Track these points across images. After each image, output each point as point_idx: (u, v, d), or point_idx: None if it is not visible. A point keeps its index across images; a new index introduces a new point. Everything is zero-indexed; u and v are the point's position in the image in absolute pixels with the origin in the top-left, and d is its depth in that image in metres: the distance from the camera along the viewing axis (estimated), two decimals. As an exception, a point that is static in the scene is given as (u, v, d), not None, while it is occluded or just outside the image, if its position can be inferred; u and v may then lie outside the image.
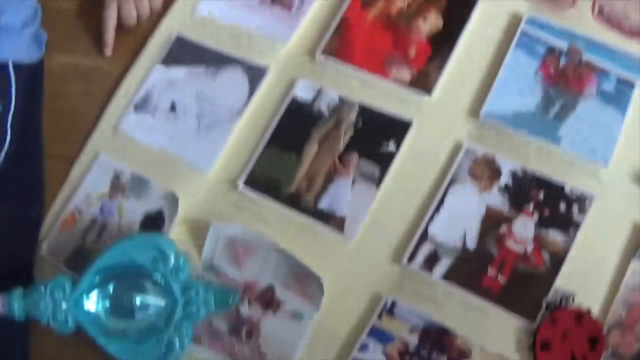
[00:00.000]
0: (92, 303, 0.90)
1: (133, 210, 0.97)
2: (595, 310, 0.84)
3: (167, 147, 1.00)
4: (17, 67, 0.98)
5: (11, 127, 0.97)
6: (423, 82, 0.96)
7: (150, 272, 0.88)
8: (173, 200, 0.95)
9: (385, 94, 0.97)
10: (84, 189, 1.00)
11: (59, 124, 1.06)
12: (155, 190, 0.97)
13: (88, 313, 0.90)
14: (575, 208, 0.88)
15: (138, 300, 0.90)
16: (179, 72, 1.03)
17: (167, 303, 0.89)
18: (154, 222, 0.96)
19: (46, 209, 1.01)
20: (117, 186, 0.99)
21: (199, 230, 0.94)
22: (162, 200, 0.97)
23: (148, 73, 1.05)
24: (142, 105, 1.03)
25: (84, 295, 0.89)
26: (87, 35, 1.11)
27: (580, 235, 0.87)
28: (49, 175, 1.03)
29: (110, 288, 0.90)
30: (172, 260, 0.88)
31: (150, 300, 0.89)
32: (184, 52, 1.05)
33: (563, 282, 0.85)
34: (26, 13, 1.00)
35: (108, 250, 0.90)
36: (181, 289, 0.88)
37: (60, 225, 0.99)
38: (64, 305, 0.88)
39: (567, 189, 0.89)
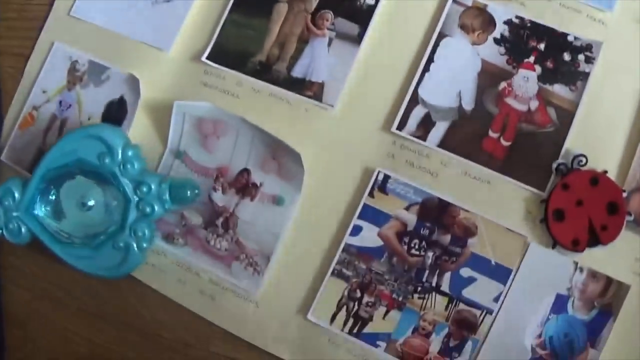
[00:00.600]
0: (41, 209, 0.77)
1: (93, 99, 0.82)
2: (612, 174, 0.71)
3: (124, 27, 0.82)
4: None
5: None
6: None
7: (97, 169, 0.74)
8: (134, 84, 0.80)
9: (359, -56, 0.85)
10: (40, 84, 0.85)
11: (10, 18, 0.88)
12: (115, 76, 0.81)
13: (40, 221, 0.76)
14: (581, 57, 0.72)
15: (91, 202, 0.75)
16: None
17: (118, 203, 0.75)
18: (116, 111, 0.80)
19: (4, 111, 0.85)
20: (74, 75, 0.83)
21: (164, 115, 0.78)
22: (123, 85, 0.80)
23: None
24: None
25: (35, 202, 0.76)
26: None
27: (590, 87, 0.72)
28: (4, 75, 0.87)
29: (56, 192, 0.76)
30: (119, 153, 0.74)
31: (99, 202, 0.75)
32: None
33: (573, 142, 0.71)
34: None
35: (52, 150, 0.76)
36: (133, 185, 0.74)
37: (19, 126, 0.84)
38: (15, 213, 0.76)
39: (570, 37, 0.73)
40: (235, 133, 0.75)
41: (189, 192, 0.74)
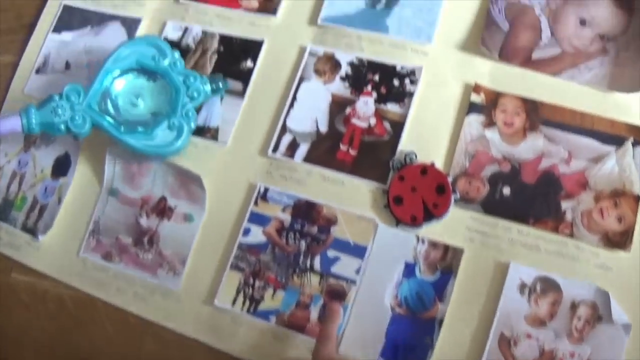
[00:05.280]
0: (100, 105, 0.94)
1: (44, 157, 1.01)
2: (439, 164, 0.88)
3: None
4: None
5: None
6: (269, 6, 1.02)
7: (154, 68, 0.94)
8: (76, 142, 1.00)
9: (239, 22, 1.03)
10: (2, 149, 1.05)
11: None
12: (61, 137, 1.00)
13: (101, 113, 0.93)
14: (407, 81, 0.92)
15: (140, 103, 0.96)
16: (69, 36, 1.09)
17: (168, 94, 0.95)
18: (63, 164, 1.00)
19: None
20: (29, 140, 1.03)
21: (101, 162, 0.99)
22: (67, 143, 1.01)
23: (44, 42, 1.10)
24: (42, 69, 1.08)
25: (95, 100, 0.94)
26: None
27: (415, 102, 0.91)
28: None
29: (115, 88, 0.95)
30: (169, 54, 0.94)
31: (147, 99, 0.96)
32: (71, 18, 1.10)
33: (406, 145, 0.90)
34: None
35: (112, 56, 0.95)
36: (182, 78, 0.94)
37: None
38: (79, 108, 0.91)
39: (398, 67, 0.93)
40: (154, 170, 0.94)
41: (221, 84, 0.94)
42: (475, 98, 0.90)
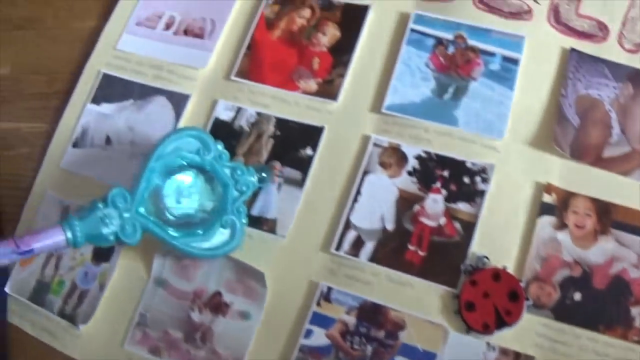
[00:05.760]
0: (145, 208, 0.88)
1: None
2: (511, 268, 0.86)
3: (105, 176, 0.99)
4: None
5: None
6: (329, 90, 0.98)
7: (199, 163, 0.89)
8: None
9: (297, 105, 0.99)
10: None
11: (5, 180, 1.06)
12: None
13: (150, 218, 0.87)
14: (478, 179, 0.90)
15: (188, 201, 0.91)
16: (109, 109, 1.04)
17: (217, 189, 0.90)
18: (105, 249, 0.95)
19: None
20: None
21: (147, 249, 0.95)
22: None
23: (81, 112, 1.05)
24: (80, 142, 1.03)
25: (141, 203, 0.87)
26: (25, 100, 1.12)
27: (487, 202, 0.89)
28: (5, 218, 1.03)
29: (164, 188, 0.90)
30: (212, 148, 0.89)
31: (197, 194, 0.91)
32: (111, 89, 1.05)
33: (477, 247, 0.87)
34: None
35: (154, 154, 0.88)
36: (229, 171, 0.89)
37: (20, 264, 0.98)
38: (127, 215, 0.83)
39: (468, 164, 0.91)
40: (209, 262, 0.90)
41: (266, 173, 0.90)
42: (547, 199, 0.88)
